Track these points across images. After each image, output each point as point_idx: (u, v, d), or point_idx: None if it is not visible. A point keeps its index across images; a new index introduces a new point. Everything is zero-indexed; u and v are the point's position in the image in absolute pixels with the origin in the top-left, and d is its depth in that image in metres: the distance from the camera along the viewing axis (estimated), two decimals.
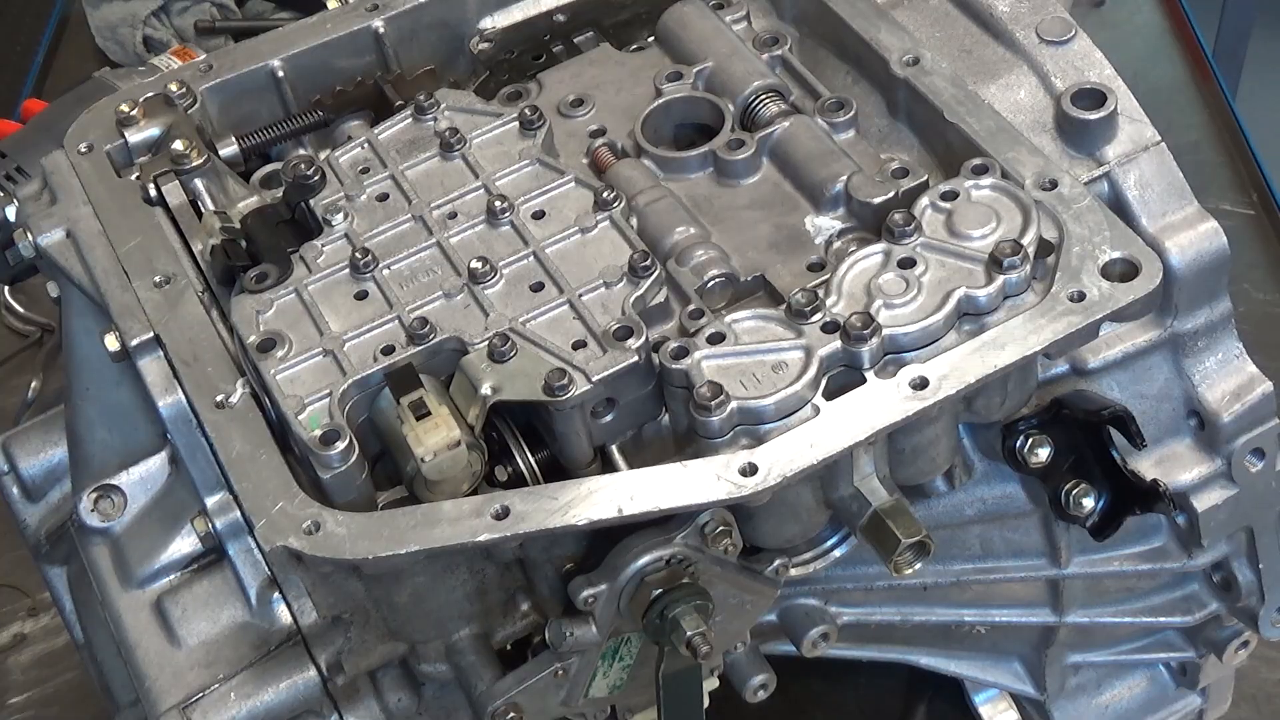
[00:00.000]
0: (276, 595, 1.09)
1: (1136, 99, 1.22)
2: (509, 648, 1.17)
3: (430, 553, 1.00)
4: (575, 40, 1.39)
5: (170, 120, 1.28)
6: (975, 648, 1.44)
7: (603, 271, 1.11)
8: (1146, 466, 1.24)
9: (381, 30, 1.33)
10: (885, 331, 1.04)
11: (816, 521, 1.14)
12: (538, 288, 1.11)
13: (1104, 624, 1.39)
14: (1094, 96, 1.20)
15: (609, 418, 1.08)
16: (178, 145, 1.23)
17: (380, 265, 1.14)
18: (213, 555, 1.11)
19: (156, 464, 1.14)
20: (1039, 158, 1.15)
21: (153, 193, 1.24)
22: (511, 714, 1.10)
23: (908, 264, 1.08)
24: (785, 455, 1.01)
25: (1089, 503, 1.21)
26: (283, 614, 1.09)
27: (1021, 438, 1.19)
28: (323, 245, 1.16)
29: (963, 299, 1.06)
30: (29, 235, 1.24)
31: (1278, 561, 1.34)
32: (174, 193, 1.24)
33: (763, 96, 1.24)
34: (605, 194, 1.16)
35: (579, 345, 1.07)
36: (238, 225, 1.20)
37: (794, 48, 1.30)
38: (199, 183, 1.24)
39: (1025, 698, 1.51)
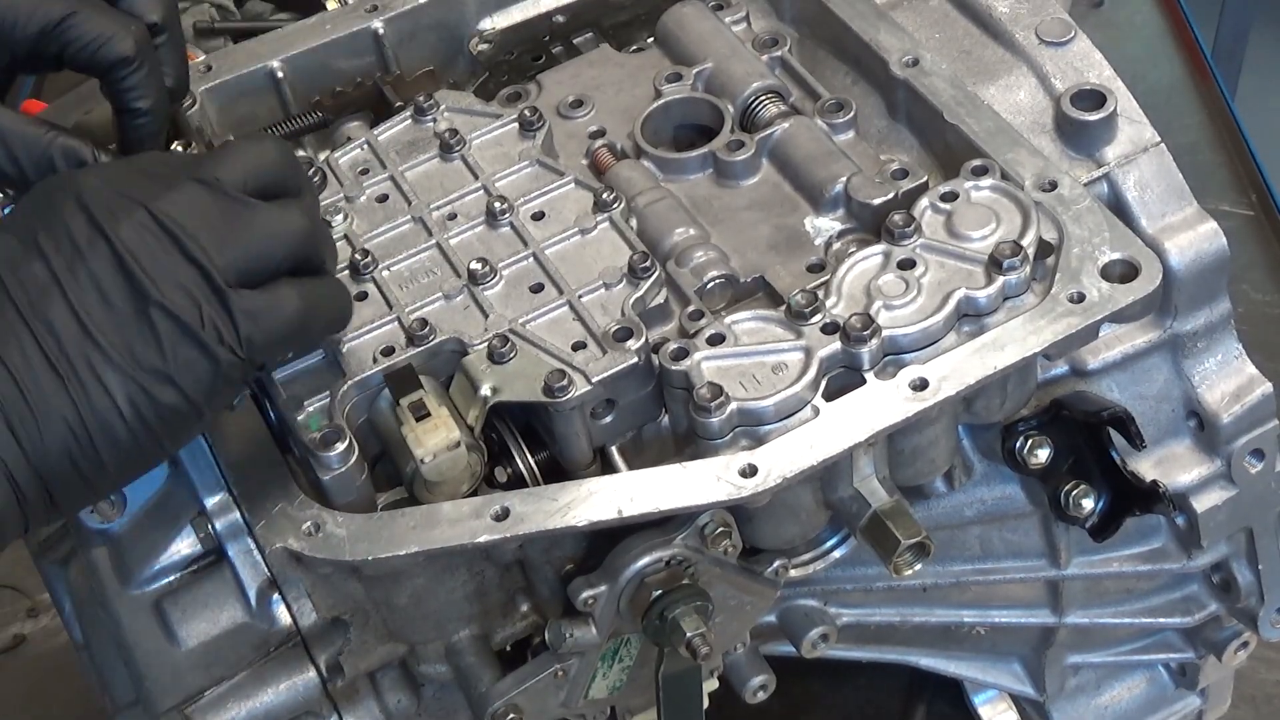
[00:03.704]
0: (276, 596, 1.09)
1: (1135, 100, 1.22)
2: (509, 649, 1.17)
3: (430, 554, 1.00)
4: (575, 41, 1.39)
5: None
6: (975, 649, 1.44)
7: (602, 273, 1.11)
8: (1146, 467, 1.24)
9: (381, 31, 1.33)
10: (885, 333, 1.05)
11: (816, 523, 1.14)
12: (537, 289, 1.11)
13: (1103, 625, 1.39)
14: (1094, 98, 1.20)
15: (609, 419, 1.08)
16: (176, 146, 1.23)
17: (380, 266, 1.14)
18: (212, 556, 1.11)
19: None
20: (1039, 159, 1.15)
21: None
22: (511, 715, 1.10)
23: (907, 265, 1.08)
24: (785, 456, 1.01)
25: (1088, 504, 1.21)
26: (282, 615, 1.09)
27: (1021, 439, 1.19)
28: None
29: (962, 300, 1.06)
30: None
31: (1277, 562, 1.34)
32: None
33: (762, 97, 1.24)
34: (605, 195, 1.16)
35: (579, 346, 1.07)
36: None
37: (793, 49, 1.30)
38: None
39: (1025, 698, 1.51)
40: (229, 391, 0.95)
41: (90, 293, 0.90)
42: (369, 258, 1.14)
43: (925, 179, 1.16)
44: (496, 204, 1.16)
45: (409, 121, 1.25)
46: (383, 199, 1.20)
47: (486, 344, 1.07)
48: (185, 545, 1.11)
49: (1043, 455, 1.19)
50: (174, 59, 1.14)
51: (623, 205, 1.16)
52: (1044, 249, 1.09)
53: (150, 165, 0.98)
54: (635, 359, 1.06)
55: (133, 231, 0.91)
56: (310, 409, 1.06)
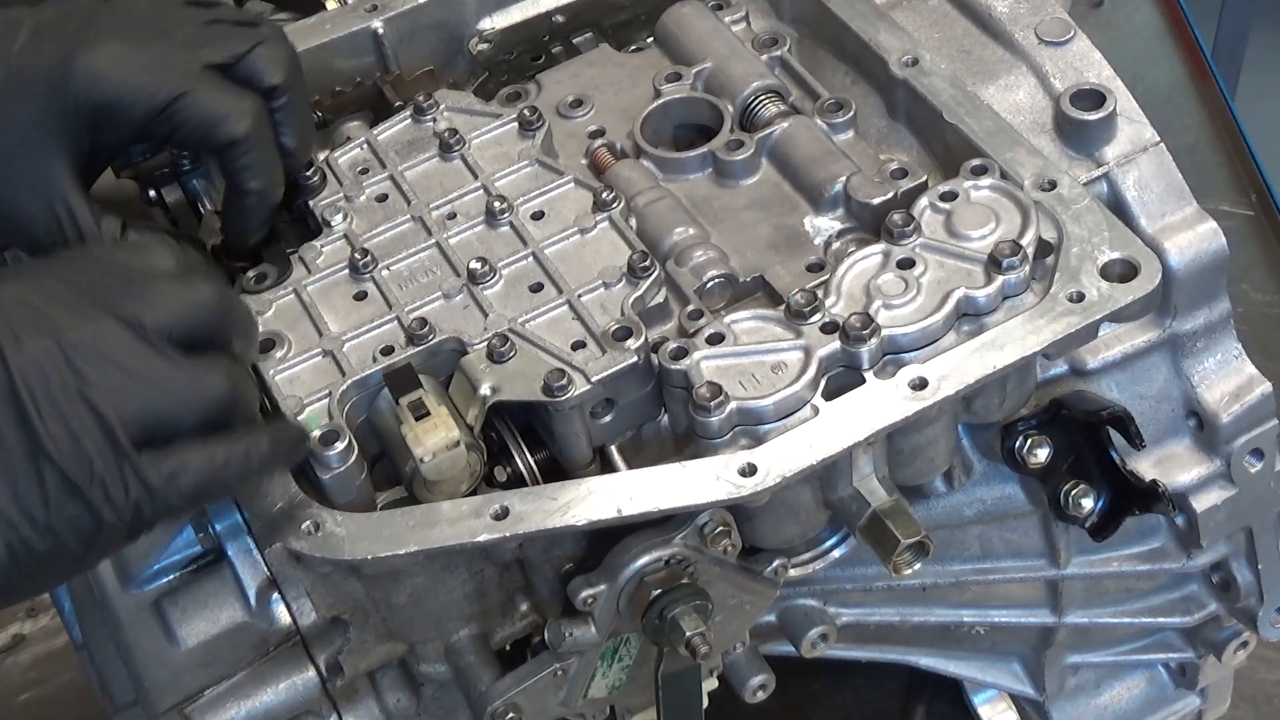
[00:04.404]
0: (275, 596, 1.09)
1: (1135, 100, 1.22)
2: (508, 648, 1.17)
3: (429, 553, 1.00)
4: (574, 41, 1.39)
5: None
6: (974, 648, 1.44)
7: (602, 272, 1.11)
8: (1145, 467, 1.24)
9: (380, 31, 1.33)
10: (884, 332, 1.05)
11: (815, 522, 1.14)
12: (537, 288, 1.12)
13: (1103, 624, 1.39)
14: (1093, 97, 1.20)
15: (608, 418, 1.08)
16: None
17: (379, 266, 1.14)
18: (212, 556, 1.11)
19: None
20: (1038, 158, 1.15)
21: (152, 194, 1.24)
22: (511, 714, 1.10)
23: (907, 264, 1.08)
24: (784, 456, 1.01)
25: (1088, 503, 1.21)
26: (282, 614, 1.09)
27: (1020, 438, 1.19)
28: (322, 246, 1.17)
29: (962, 299, 1.06)
30: None
31: (1277, 562, 1.34)
32: (173, 193, 1.24)
33: (762, 97, 1.24)
34: (604, 194, 1.16)
35: (578, 346, 1.07)
36: None
37: (793, 48, 1.30)
38: (198, 183, 1.24)
39: (1024, 698, 1.51)
40: (110, 546, 0.89)
41: None
42: (368, 257, 1.14)
43: (924, 178, 1.16)
44: (496, 203, 1.16)
45: (408, 121, 1.25)
46: (382, 198, 1.20)
47: (486, 343, 1.07)
48: (185, 545, 1.11)
49: (1042, 455, 1.19)
50: (296, 121, 1.13)
51: (622, 205, 1.16)
52: (1043, 248, 1.09)
53: (74, 282, 0.90)
54: (634, 358, 1.06)
55: (34, 364, 0.85)
56: (310, 408, 1.06)
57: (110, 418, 0.85)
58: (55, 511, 0.85)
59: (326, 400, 1.06)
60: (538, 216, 1.17)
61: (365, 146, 1.24)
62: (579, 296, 1.10)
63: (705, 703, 1.21)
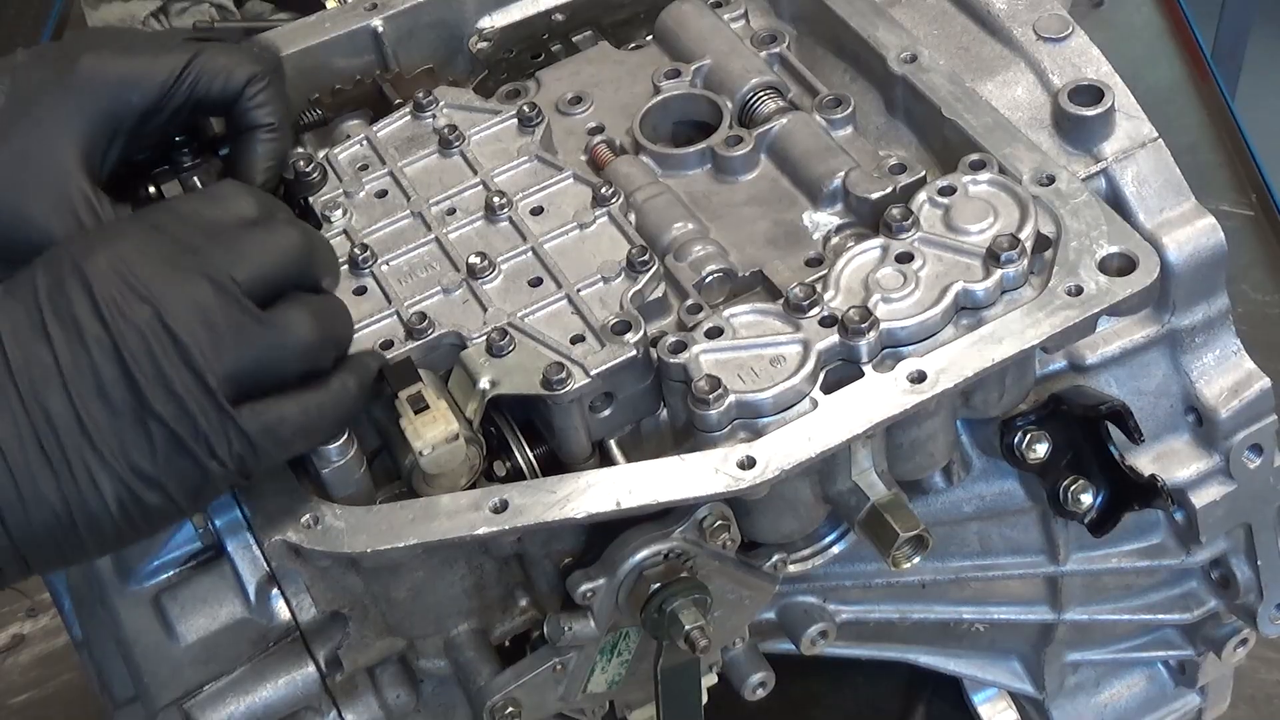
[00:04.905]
0: (275, 591, 1.09)
1: (1135, 99, 1.22)
2: (507, 643, 1.17)
3: (428, 546, 1.00)
4: (574, 39, 1.39)
5: None
6: (974, 646, 1.44)
7: (601, 267, 1.11)
8: (1144, 462, 1.24)
9: (380, 29, 1.33)
10: (883, 325, 1.05)
11: (814, 516, 1.14)
12: (536, 283, 1.12)
13: (1102, 621, 1.39)
14: (1091, 93, 1.21)
15: (607, 412, 1.08)
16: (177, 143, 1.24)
17: (379, 261, 1.14)
18: (211, 552, 1.11)
19: None
20: (1036, 153, 1.15)
21: (152, 191, 1.24)
22: (510, 709, 1.10)
23: (905, 259, 1.08)
24: (783, 448, 1.01)
25: (1087, 499, 1.21)
26: (281, 610, 1.09)
27: (1019, 434, 1.19)
28: None
29: (960, 293, 1.06)
30: None
31: (1276, 558, 1.34)
32: (173, 191, 1.24)
33: (761, 93, 1.24)
34: (603, 190, 1.16)
35: (577, 340, 1.07)
36: None
37: (792, 45, 1.30)
38: (198, 181, 1.24)
39: (1024, 697, 1.51)
40: (214, 495, 0.96)
41: (90, 387, 0.90)
42: (368, 252, 1.14)
43: (923, 173, 1.16)
44: (495, 199, 1.16)
45: (408, 118, 1.25)
46: (382, 194, 1.20)
47: (485, 337, 1.07)
48: (184, 540, 1.11)
49: (1041, 450, 1.19)
50: (281, 98, 1.18)
51: (621, 200, 1.16)
52: (1042, 242, 1.09)
53: (165, 242, 0.95)
54: (633, 352, 1.06)
55: (137, 333, 0.90)
56: None
57: (209, 379, 0.91)
58: (164, 467, 0.91)
59: None
60: (537, 212, 1.17)
61: (365, 143, 1.24)
62: (578, 291, 1.10)
63: (705, 699, 1.21)
